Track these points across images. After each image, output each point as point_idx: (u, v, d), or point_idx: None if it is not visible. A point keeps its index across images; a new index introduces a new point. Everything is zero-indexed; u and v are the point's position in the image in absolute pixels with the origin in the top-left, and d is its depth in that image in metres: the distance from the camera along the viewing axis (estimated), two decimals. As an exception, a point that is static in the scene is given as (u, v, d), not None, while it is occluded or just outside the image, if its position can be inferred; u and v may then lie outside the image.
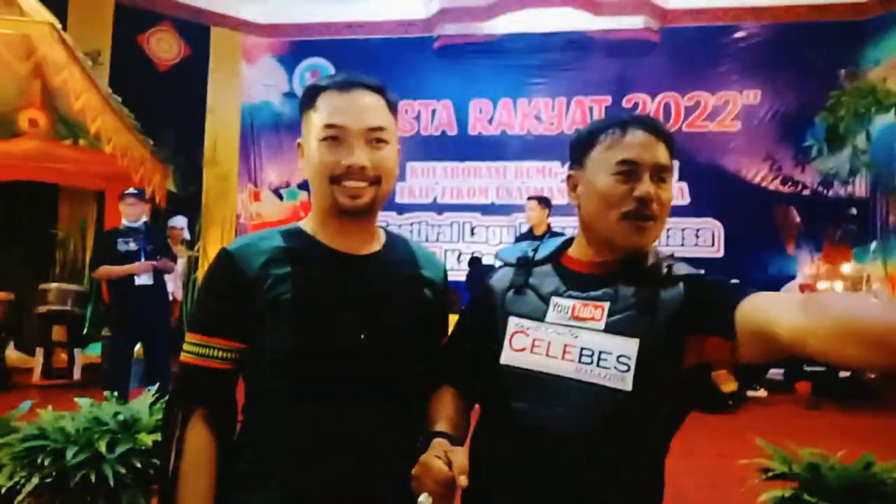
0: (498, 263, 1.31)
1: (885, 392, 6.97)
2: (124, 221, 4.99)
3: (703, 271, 1.13)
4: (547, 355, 1.11)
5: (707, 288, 1.08)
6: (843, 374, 7.21)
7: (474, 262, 7.58)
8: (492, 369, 1.16)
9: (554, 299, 1.15)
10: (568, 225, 6.85)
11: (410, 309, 1.21)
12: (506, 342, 1.15)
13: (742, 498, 2.78)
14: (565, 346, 1.10)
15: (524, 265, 1.23)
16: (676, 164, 8.37)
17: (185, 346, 1.15)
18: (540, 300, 1.16)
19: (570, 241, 1.26)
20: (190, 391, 1.15)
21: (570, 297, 1.14)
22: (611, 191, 1.11)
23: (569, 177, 1.22)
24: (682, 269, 1.13)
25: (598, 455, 1.06)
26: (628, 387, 1.04)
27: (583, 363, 1.07)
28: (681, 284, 1.09)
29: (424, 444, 1.08)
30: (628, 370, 1.05)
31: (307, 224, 1.22)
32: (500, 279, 1.24)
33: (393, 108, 1.20)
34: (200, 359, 1.13)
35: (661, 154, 1.13)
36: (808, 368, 7.36)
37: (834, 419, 6.09)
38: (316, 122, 1.15)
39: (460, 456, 1.02)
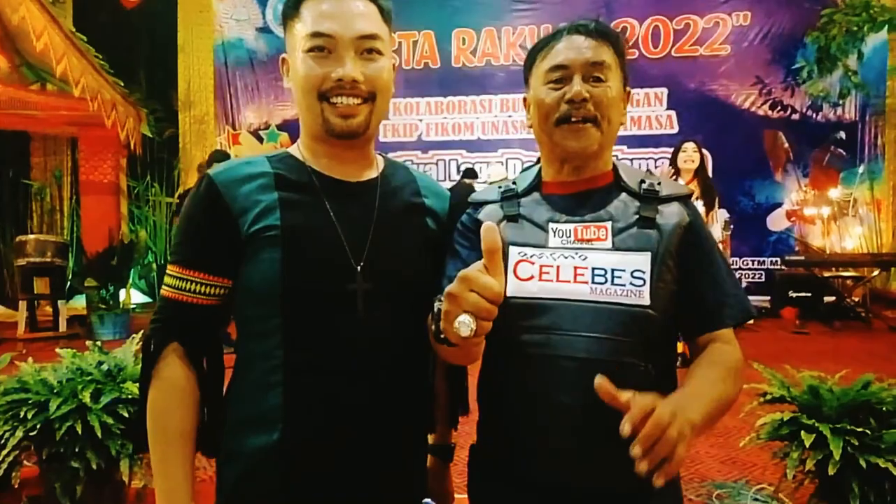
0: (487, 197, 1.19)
1: (869, 315, 7.08)
2: None
3: (687, 191, 1.14)
4: (557, 280, 1.05)
5: (701, 259, 1.08)
6: (827, 298, 7.30)
7: (469, 173, 7.35)
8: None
9: (552, 225, 1.10)
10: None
11: (411, 239, 1.12)
12: (510, 273, 1.07)
13: (741, 423, 2.81)
14: (575, 268, 1.05)
15: (510, 197, 1.16)
16: (665, 90, 8.34)
17: (166, 280, 1.06)
18: (537, 228, 1.11)
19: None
20: (167, 326, 1.05)
21: (568, 221, 1.09)
22: (545, 100, 1.09)
23: (524, 100, 1.19)
24: (669, 187, 1.12)
25: (624, 376, 0.98)
26: (646, 301, 1.01)
27: (596, 283, 1.03)
28: (676, 204, 1.09)
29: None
30: (644, 283, 1.02)
31: (296, 149, 1.12)
32: (490, 214, 1.16)
33: (387, 16, 1.09)
34: (180, 293, 1.04)
35: (597, 52, 1.08)
36: (794, 294, 7.45)
37: (821, 343, 6.19)
38: (300, 31, 1.03)
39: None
